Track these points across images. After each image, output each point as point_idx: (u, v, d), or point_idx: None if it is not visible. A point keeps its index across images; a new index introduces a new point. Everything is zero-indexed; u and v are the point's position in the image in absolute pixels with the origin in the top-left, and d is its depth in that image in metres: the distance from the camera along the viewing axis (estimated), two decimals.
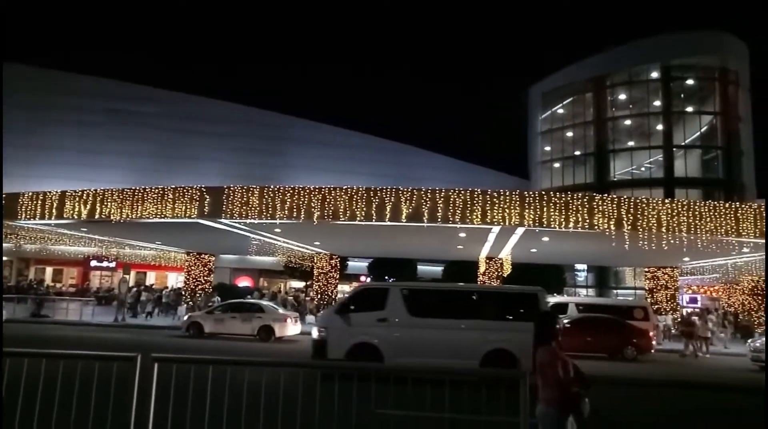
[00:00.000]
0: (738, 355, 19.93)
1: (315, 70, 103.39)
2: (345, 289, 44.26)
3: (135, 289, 31.03)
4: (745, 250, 22.35)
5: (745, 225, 19.30)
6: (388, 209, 19.29)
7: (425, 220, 19.25)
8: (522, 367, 10.35)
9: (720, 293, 36.00)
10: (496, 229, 20.19)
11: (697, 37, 42.77)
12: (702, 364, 18.63)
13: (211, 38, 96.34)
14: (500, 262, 27.38)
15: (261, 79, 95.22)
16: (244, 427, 4.70)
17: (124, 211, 20.83)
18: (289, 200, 19.55)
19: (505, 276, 27.78)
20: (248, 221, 20.26)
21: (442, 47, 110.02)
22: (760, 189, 43.86)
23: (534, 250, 25.87)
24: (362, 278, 44.89)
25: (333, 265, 31.53)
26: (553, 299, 25.90)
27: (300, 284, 41.04)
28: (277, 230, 22.63)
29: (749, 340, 20.04)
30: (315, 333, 11.71)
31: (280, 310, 21.10)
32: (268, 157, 46.78)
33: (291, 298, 33.84)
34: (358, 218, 19.35)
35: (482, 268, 28.01)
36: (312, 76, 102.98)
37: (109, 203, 20.76)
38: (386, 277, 41.82)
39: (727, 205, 20.39)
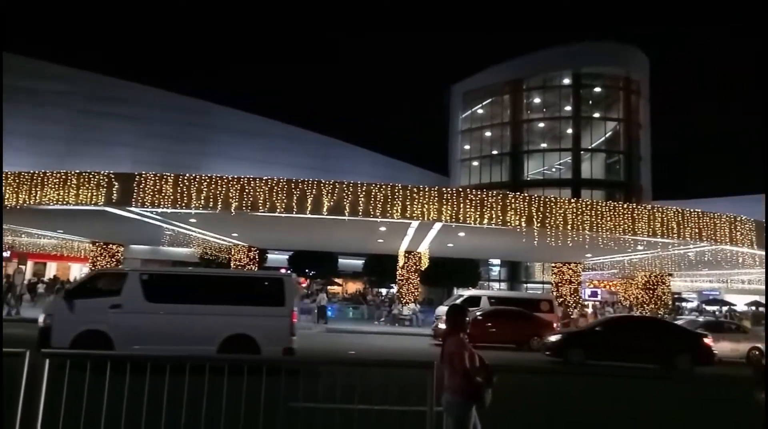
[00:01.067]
0: None
1: (237, 57, 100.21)
2: None
3: (35, 280, 28.72)
4: (639, 247, 24.32)
5: (640, 224, 21.00)
6: (310, 202, 19.17)
7: (346, 214, 19.31)
8: (263, 353, 10.40)
9: (617, 287, 38.94)
10: (415, 223, 20.64)
11: (605, 48, 45.79)
12: None
13: (129, 20, 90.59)
14: (419, 256, 28.01)
15: (180, 64, 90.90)
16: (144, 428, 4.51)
17: (20, 196, 19.23)
18: (205, 190, 18.91)
19: (423, 270, 28.47)
20: (161, 210, 19.37)
21: (370, 42, 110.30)
22: (655, 192, 47.83)
23: (451, 245, 26.70)
24: (282, 270, 44.33)
25: (252, 257, 30.85)
26: (467, 292, 26.91)
27: None
28: (193, 220, 21.81)
29: None
30: (41, 320, 10.99)
31: None
32: (184, 143, 44.83)
33: None
34: (278, 210, 19.07)
35: (401, 262, 28.53)
36: (234, 64, 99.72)
37: (2, 187, 19.07)
38: (307, 270, 41.53)
39: (625, 205, 22.09)
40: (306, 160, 47.51)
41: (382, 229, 21.96)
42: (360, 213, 19.36)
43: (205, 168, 39.97)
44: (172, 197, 18.82)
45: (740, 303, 37.81)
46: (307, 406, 6.13)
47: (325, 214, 19.27)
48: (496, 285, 47.66)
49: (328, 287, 42.94)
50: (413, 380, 4.69)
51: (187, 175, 19.29)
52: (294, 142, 49.52)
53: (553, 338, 15.73)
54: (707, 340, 14.96)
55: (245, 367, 5.05)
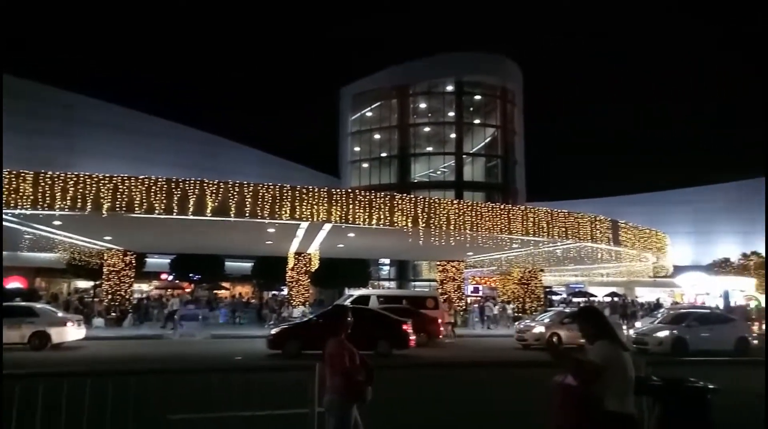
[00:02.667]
0: (508, 336, 23.12)
1: (114, 48, 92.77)
2: (143, 288, 40.67)
3: None
4: (515, 245, 26.16)
5: (515, 224, 22.60)
6: (192, 202, 18.29)
7: (232, 215, 18.69)
8: None
9: (496, 283, 41.55)
10: (304, 224, 20.50)
11: (485, 59, 48.73)
12: (481, 343, 21.33)
13: None
14: (308, 257, 27.84)
15: (47, 53, 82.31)
16: None
17: None
18: (72, 189, 17.30)
19: (313, 271, 28.33)
20: (18, 212, 17.41)
21: (259, 40, 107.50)
22: (528, 194, 51.72)
23: (341, 246, 26.86)
24: (163, 276, 41.71)
25: (127, 262, 28.72)
26: (357, 292, 27.22)
27: (88, 284, 36.49)
28: (58, 223, 19.83)
29: (516, 323, 23.54)
30: None
31: (59, 314, 18.52)
32: (50, 138, 40.63)
33: (75, 299, 29.97)
34: (157, 211, 17.97)
35: (291, 264, 28.17)
36: (108, 56, 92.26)
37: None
38: (190, 275, 39.48)
39: (502, 207, 23.67)
40: (190, 159, 45.22)
41: (271, 230, 21.54)
42: (247, 214, 18.83)
43: (76, 166, 36.53)
44: (31, 197, 16.98)
45: (600, 294, 42.05)
46: (187, 418, 5.87)
47: (209, 215, 18.49)
48: (386, 284, 48.69)
49: (215, 291, 41.19)
50: (296, 383, 4.69)
51: (50, 172, 17.52)
52: (177, 140, 46.93)
53: (273, 331, 16.43)
54: (405, 327, 16.27)
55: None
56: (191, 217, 18.35)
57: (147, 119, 46.74)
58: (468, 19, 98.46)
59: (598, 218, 25.24)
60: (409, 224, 20.72)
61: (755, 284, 39.55)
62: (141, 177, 18.17)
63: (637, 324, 23.25)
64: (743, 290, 38.87)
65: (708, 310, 21.57)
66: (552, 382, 3.53)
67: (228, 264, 41.72)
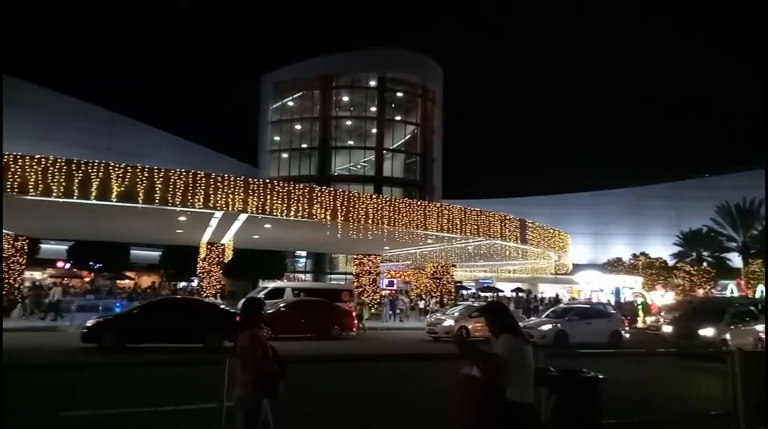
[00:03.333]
0: (420, 328, 23.71)
1: (12, 9, 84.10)
2: (35, 276, 37.50)
3: None
4: (429, 241, 26.89)
5: (430, 220, 23.23)
6: (95, 186, 17.14)
7: (140, 201, 17.73)
8: None
9: (410, 277, 42.50)
10: (219, 214, 19.85)
11: (408, 57, 49.43)
12: (393, 336, 21.72)
13: None
14: (222, 247, 27.00)
15: None
16: None
17: None
18: None
19: (226, 262, 27.50)
20: None
21: (179, 20, 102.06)
22: (444, 191, 53.24)
23: (257, 237, 26.28)
24: (59, 264, 38.74)
25: (18, 247, 26.39)
26: (272, 284, 26.78)
27: None
28: None
29: (427, 316, 24.20)
30: None
31: None
32: None
33: None
34: (54, 194, 16.68)
35: (203, 254, 27.19)
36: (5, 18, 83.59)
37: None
38: (91, 263, 36.95)
39: (419, 203, 24.21)
40: (91, 139, 42.22)
41: (182, 218, 20.66)
42: (156, 201, 17.93)
43: None
44: None
45: (507, 290, 44.22)
46: (82, 415, 5.53)
47: (115, 200, 17.41)
48: (302, 276, 48.27)
49: (118, 281, 38.83)
50: (205, 377, 4.56)
51: None
52: (82, 118, 43.58)
53: (89, 323, 15.00)
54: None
55: None
56: (94, 201, 17.19)
57: (46, 94, 43.03)
58: (392, 16, 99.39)
59: (507, 217, 26.50)
60: (328, 217, 20.69)
61: (642, 282, 43.26)
62: (37, 156, 16.75)
63: (533, 318, 24.73)
64: (632, 288, 42.41)
65: (588, 306, 23.03)
66: (458, 373, 3.68)
67: (134, 252, 39.52)
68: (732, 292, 40.26)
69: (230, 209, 19.08)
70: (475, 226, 24.55)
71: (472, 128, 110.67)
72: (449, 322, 19.76)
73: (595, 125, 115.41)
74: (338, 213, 20.87)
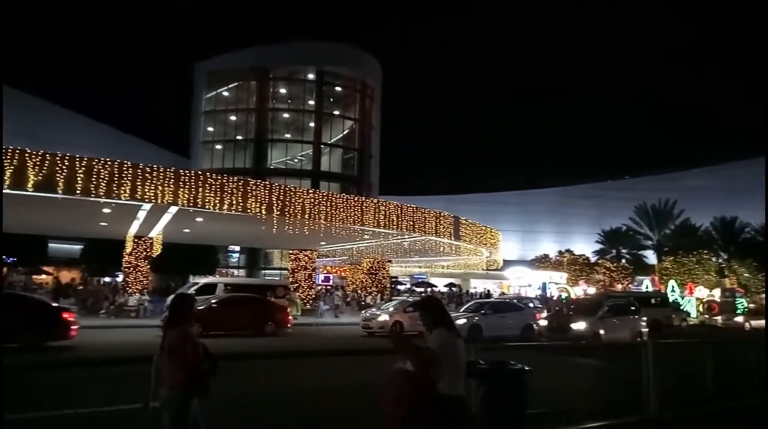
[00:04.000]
0: (355, 324, 23.77)
1: None
2: None
3: None
4: (366, 236, 27.02)
5: (367, 216, 23.33)
6: (9, 174, 15.97)
7: (60, 192, 16.69)
8: None
9: (346, 273, 42.53)
10: (147, 206, 19.04)
11: (347, 52, 49.24)
12: (328, 332, 21.67)
13: None
14: (150, 241, 25.91)
15: None
16: None
17: None
18: None
19: (155, 256, 26.44)
20: None
21: (112, 5, 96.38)
22: (381, 187, 53.56)
23: (188, 231, 25.41)
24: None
25: None
26: (203, 280, 25.99)
27: None
28: None
29: (362, 312, 24.30)
30: None
31: None
32: None
33: None
34: None
35: (129, 248, 25.98)
36: None
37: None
38: (4, 257, 34.35)
39: (356, 199, 24.26)
40: (15, 126, 39.25)
41: (107, 211, 19.61)
42: (78, 192, 16.94)
43: None
44: None
45: (441, 285, 45.20)
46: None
47: (31, 190, 16.30)
48: (235, 271, 47.13)
49: (34, 276, 36.35)
50: (131, 377, 4.39)
51: None
52: None
53: None
54: (67, 315, 13.70)
55: None
56: (7, 190, 16.00)
57: None
58: (333, 10, 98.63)
59: (442, 214, 27.06)
60: (263, 211, 20.30)
61: (566, 278, 45.50)
62: None
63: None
64: (557, 283, 44.50)
65: (503, 301, 23.80)
66: (393, 368, 3.73)
67: (52, 246, 37.17)
68: (647, 287, 43.11)
69: (159, 202, 18.33)
70: (411, 223, 24.90)
71: (409, 126, 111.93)
72: (384, 318, 19.94)
73: (526, 126, 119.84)
74: (274, 207, 20.53)
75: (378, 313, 21.02)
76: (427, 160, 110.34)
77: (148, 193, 18.02)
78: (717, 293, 38.38)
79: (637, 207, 55.69)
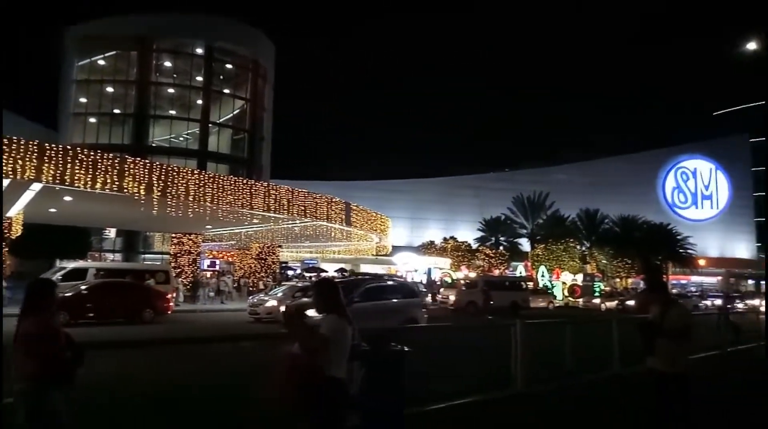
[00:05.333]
0: (242, 310, 23.21)
1: None
2: None
3: None
4: (255, 221, 26.35)
5: (257, 200, 22.73)
6: None
7: None
8: None
9: (234, 258, 41.25)
10: (5, 182, 17.00)
11: (239, 29, 47.17)
12: (212, 319, 20.97)
13: None
14: (9, 221, 23.22)
15: None
16: None
17: None
18: None
19: (14, 238, 23.77)
20: None
21: None
22: (273, 170, 52.42)
23: (54, 210, 23.13)
24: None
25: None
26: (71, 264, 23.89)
27: None
28: None
29: (249, 297, 23.79)
30: None
31: None
32: None
33: None
34: None
35: None
36: None
37: None
38: None
39: (245, 181, 23.52)
40: None
41: None
42: None
43: None
44: None
45: (331, 270, 45.42)
46: None
47: None
48: (111, 256, 43.76)
49: None
50: None
51: None
52: None
53: None
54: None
55: None
56: None
57: None
58: None
59: (334, 200, 27.13)
60: (142, 192, 19.00)
61: (450, 263, 47.86)
62: None
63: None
64: (442, 268, 46.69)
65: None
66: (283, 351, 3.77)
67: None
68: (521, 272, 46.65)
69: (19, 177, 16.47)
70: (303, 208, 24.69)
71: (304, 110, 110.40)
72: (272, 303, 19.67)
73: (419, 117, 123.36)
74: (154, 188, 19.28)
75: (266, 298, 20.71)
76: (320, 146, 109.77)
77: (5, 168, 16.09)
78: (580, 278, 42.59)
79: (514, 198, 59.84)
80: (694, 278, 65.71)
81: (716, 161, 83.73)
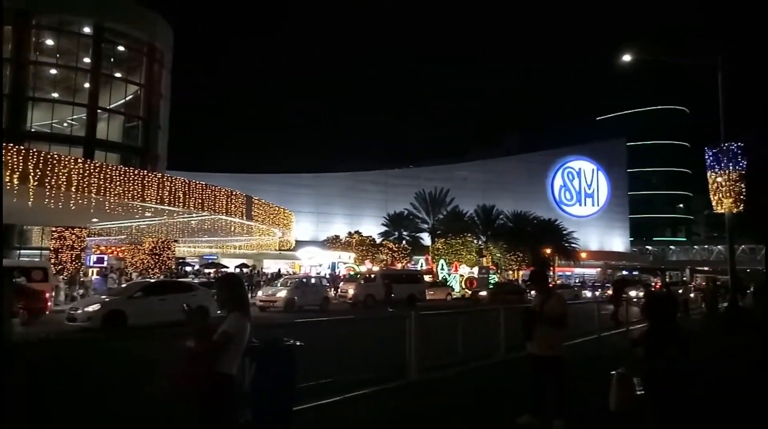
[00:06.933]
0: None
1: None
2: None
3: None
4: (148, 214, 24.91)
5: (149, 191, 21.49)
6: None
7: None
8: None
9: (125, 253, 38.69)
10: None
11: (133, 9, 44.05)
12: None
13: None
14: None
15: None
16: None
17: None
18: None
19: None
20: None
21: None
22: (171, 162, 49.73)
23: None
24: None
25: None
26: None
27: None
28: None
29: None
30: None
31: None
32: None
33: None
34: None
35: None
36: None
37: None
38: None
39: (136, 172, 22.14)
40: None
41: None
42: None
43: None
44: None
45: (232, 265, 44.04)
46: None
47: None
48: None
49: None
50: None
51: None
52: None
53: None
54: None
55: None
56: None
57: None
58: None
59: (234, 193, 26.33)
60: (15, 181, 17.30)
61: (354, 258, 48.24)
62: None
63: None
64: (346, 262, 46.94)
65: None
66: (181, 345, 3.75)
67: None
68: (422, 266, 48.10)
69: None
70: (200, 201, 23.71)
71: (204, 100, 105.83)
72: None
73: (326, 111, 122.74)
74: (31, 177, 17.63)
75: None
76: (222, 137, 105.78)
77: None
78: (476, 271, 44.74)
79: (417, 194, 61.48)
80: (577, 270, 71.46)
81: (597, 162, 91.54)
